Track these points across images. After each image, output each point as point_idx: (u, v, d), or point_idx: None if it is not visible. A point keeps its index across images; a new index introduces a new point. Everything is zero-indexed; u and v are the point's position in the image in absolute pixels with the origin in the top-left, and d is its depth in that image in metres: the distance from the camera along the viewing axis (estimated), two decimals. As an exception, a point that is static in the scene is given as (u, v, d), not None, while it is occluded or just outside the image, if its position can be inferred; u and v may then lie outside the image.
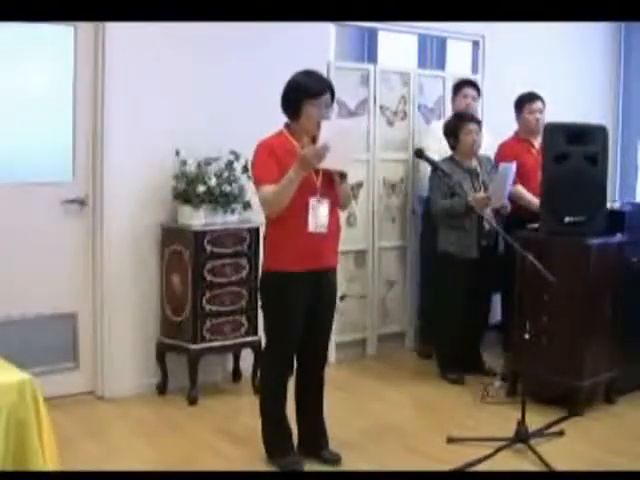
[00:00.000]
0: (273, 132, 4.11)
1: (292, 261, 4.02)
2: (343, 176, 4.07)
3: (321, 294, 4.15)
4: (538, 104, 6.11)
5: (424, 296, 6.39)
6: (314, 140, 3.99)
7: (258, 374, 4.97)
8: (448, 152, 5.67)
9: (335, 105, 4.45)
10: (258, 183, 4.02)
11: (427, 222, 6.03)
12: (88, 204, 5.19)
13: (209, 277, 5.14)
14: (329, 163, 3.90)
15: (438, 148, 5.56)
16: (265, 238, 4.18)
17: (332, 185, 4.08)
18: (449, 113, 6.31)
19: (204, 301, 5.14)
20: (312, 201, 4.00)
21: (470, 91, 6.22)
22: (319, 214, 4.01)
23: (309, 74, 4.12)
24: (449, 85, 6.48)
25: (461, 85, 6.28)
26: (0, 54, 4.87)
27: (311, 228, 4.00)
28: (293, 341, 4.12)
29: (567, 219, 5.07)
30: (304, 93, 4.00)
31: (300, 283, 4.04)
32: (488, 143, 5.98)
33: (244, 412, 5.03)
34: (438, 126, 6.23)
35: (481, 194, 5.48)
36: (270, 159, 3.99)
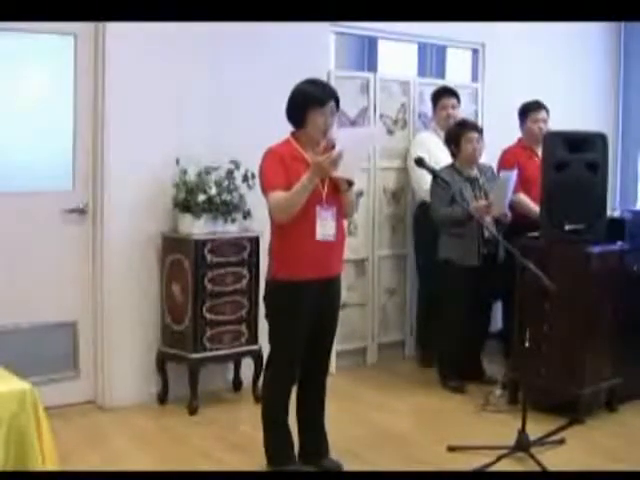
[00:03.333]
0: (278, 141, 4.11)
1: (300, 270, 4.01)
2: (350, 184, 4.08)
3: (326, 302, 4.14)
4: (543, 114, 6.12)
5: (423, 303, 6.38)
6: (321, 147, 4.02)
7: (259, 383, 4.97)
8: (438, 163, 5.66)
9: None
10: (268, 189, 4.01)
11: (425, 228, 6.01)
12: (88, 213, 5.19)
13: (209, 286, 5.14)
14: (341, 171, 3.92)
15: (428, 159, 5.48)
16: (271, 247, 4.16)
17: (337, 193, 4.08)
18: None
19: (204, 310, 5.13)
20: (319, 209, 4.01)
21: (448, 101, 6.21)
22: (326, 222, 4.02)
23: (313, 82, 4.13)
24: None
25: (438, 96, 6.26)
26: (0, 63, 4.88)
27: (319, 236, 4.00)
28: (299, 350, 4.11)
29: (567, 227, 5.08)
30: (309, 102, 4.01)
31: (308, 291, 4.03)
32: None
33: (245, 421, 5.02)
34: (426, 137, 6.24)
35: (482, 202, 5.49)
36: (279, 166, 3.99)
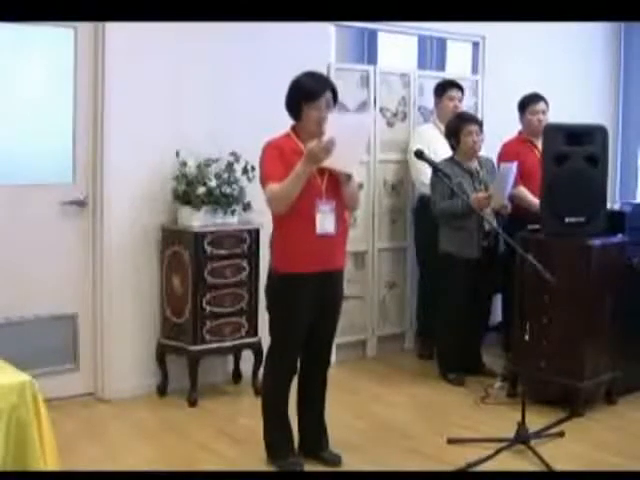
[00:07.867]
0: (278, 134, 4.11)
1: (302, 263, 4.02)
2: (349, 176, 4.07)
3: (328, 295, 4.15)
4: (541, 105, 6.12)
5: (423, 296, 6.38)
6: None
7: (258, 375, 4.97)
8: (439, 155, 5.65)
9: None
10: (265, 181, 4.01)
11: (425, 221, 6.00)
12: (88, 205, 5.19)
13: (209, 278, 5.14)
14: (335, 160, 3.89)
15: (427, 151, 5.46)
16: (272, 241, 4.17)
17: (338, 186, 4.08)
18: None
19: (204, 302, 5.14)
20: (318, 203, 4.00)
21: (456, 93, 6.21)
22: (326, 216, 4.02)
23: (310, 75, 4.12)
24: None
25: (445, 87, 6.24)
26: (0, 55, 4.87)
27: (319, 230, 4.01)
28: (299, 342, 4.12)
29: (567, 220, 5.07)
30: (303, 95, 4.01)
31: (309, 285, 4.04)
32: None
33: (244, 413, 5.03)
34: (426, 129, 6.23)
35: (482, 194, 5.48)
36: (278, 159, 3.99)
